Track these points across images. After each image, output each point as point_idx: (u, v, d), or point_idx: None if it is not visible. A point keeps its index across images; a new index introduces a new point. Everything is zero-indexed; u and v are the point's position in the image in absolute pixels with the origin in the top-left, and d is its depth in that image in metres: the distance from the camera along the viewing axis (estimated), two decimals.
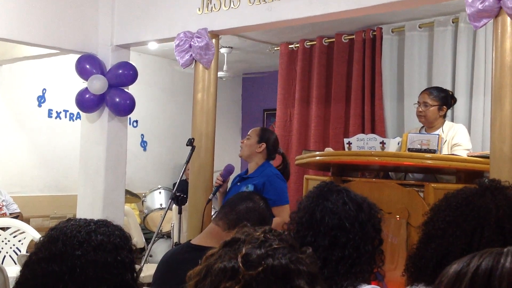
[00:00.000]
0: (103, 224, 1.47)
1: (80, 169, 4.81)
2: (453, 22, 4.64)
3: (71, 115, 6.17)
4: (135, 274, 1.45)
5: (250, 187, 3.52)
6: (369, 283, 1.68)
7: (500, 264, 0.85)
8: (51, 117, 6.06)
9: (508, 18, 2.68)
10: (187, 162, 3.72)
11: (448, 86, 4.40)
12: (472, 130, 4.37)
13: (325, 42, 5.44)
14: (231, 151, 7.71)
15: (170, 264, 2.36)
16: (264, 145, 3.69)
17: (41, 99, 5.98)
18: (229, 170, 3.78)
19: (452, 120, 4.35)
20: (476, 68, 4.48)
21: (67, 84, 5.80)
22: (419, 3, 3.30)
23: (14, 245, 4.70)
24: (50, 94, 6.02)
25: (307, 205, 1.76)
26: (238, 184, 3.69)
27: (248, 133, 3.80)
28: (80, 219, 1.49)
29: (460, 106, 4.47)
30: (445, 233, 1.53)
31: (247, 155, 3.73)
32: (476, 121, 4.46)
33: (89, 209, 4.58)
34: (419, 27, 4.83)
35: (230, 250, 1.10)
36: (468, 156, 3.31)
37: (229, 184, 3.83)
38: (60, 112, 6.12)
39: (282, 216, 3.31)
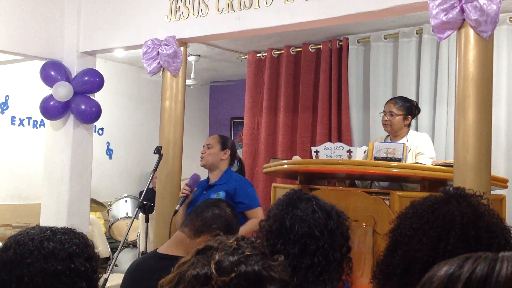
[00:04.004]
0: (62, 232, 1.45)
1: (44, 178, 4.72)
2: (417, 34, 4.74)
3: (35, 123, 6.05)
4: (93, 283, 1.43)
5: (222, 194, 3.51)
6: None
7: (496, 270, 0.82)
8: (14, 124, 5.93)
9: (471, 30, 2.75)
10: (155, 170, 3.69)
11: (412, 96, 4.48)
12: (436, 139, 4.46)
13: (292, 51, 5.49)
14: (198, 159, 7.69)
15: (137, 273, 2.33)
16: (228, 152, 3.72)
17: (3, 106, 5.85)
18: (195, 179, 3.72)
19: (416, 129, 4.43)
20: (440, 78, 4.59)
21: (31, 90, 5.69)
22: (384, 15, 3.36)
23: None
24: (13, 100, 5.89)
25: (277, 213, 1.76)
26: (205, 192, 3.65)
27: (207, 143, 3.78)
28: (41, 227, 1.47)
29: (424, 116, 4.56)
30: (411, 240, 1.55)
31: (211, 163, 3.71)
32: (440, 130, 4.55)
33: (53, 218, 4.49)
34: (384, 37, 4.92)
35: (203, 257, 1.11)
36: (432, 164, 3.37)
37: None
38: (24, 119, 5.99)
39: (258, 217, 3.36)
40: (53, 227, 1.46)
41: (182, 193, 3.65)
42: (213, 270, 1.07)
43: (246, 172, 4.11)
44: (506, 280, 0.81)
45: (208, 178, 3.79)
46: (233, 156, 3.78)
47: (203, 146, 3.80)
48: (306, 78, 5.38)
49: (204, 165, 3.75)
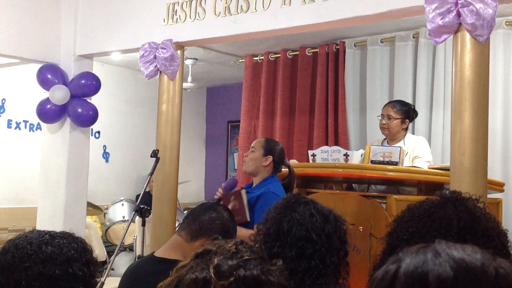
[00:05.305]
0: (60, 236, 1.45)
1: (40, 181, 4.70)
2: (413, 37, 4.75)
3: (31, 126, 6.03)
4: (91, 287, 1.43)
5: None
6: None
7: (430, 260, 0.87)
8: (10, 127, 5.92)
9: (467, 34, 2.75)
10: (151, 173, 3.68)
11: (409, 100, 4.49)
12: (432, 143, 4.46)
13: (289, 55, 5.50)
14: (195, 163, 7.69)
15: (134, 277, 2.32)
16: (270, 158, 3.37)
17: (0, 109, 5.84)
18: (231, 183, 3.45)
19: (413, 133, 4.44)
20: (436, 82, 4.60)
21: (27, 94, 5.68)
22: (381, 19, 3.36)
23: None
24: (9, 104, 5.88)
25: (275, 216, 1.77)
26: None
27: (252, 145, 3.50)
28: (40, 231, 1.47)
29: (420, 119, 4.57)
30: (408, 244, 1.55)
31: (252, 169, 3.40)
32: (436, 134, 4.56)
33: (49, 221, 4.48)
34: (381, 41, 4.92)
35: (202, 261, 1.11)
36: (429, 168, 3.38)
37: None
38: (20, 122, 5.98)
39: None
40: (51, 231, 1.47)
41: (216, 196, 3.45)
42: (212, 274, 1.07)
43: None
44: (440, 266, 0.87)
45: (252, 182, 3.51)
46: (278, 163, 3.41)
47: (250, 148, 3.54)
48: (302, 81, 5.39)
49: (245, 171, 3.48)
